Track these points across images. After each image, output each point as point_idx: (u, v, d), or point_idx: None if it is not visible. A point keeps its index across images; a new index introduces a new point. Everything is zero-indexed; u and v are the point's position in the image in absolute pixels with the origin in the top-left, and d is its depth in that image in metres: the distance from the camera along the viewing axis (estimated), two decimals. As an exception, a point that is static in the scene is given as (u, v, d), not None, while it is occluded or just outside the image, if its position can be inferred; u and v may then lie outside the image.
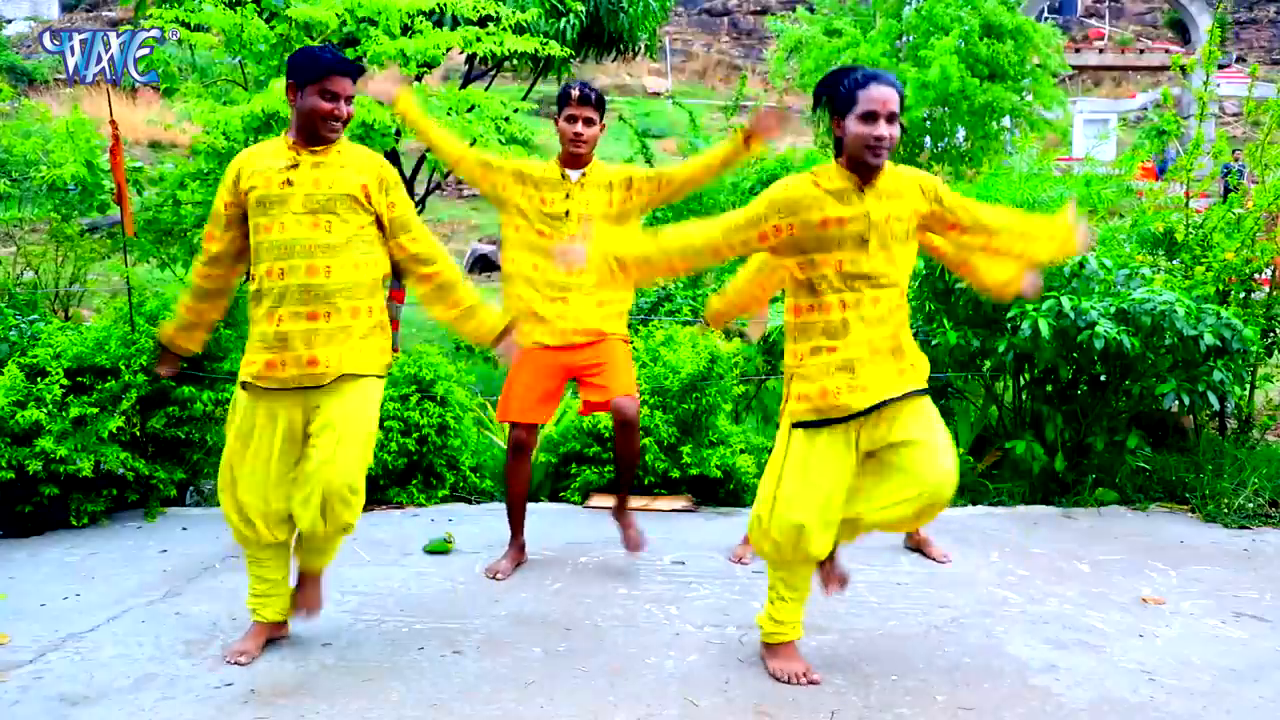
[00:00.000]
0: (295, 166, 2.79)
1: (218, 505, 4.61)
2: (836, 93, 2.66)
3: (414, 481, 4.68)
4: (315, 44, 4.80)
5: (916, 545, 3.92)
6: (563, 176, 3.56)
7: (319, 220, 2.78)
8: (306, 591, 3.02)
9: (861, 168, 2.63)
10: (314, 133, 2.80)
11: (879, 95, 2.58)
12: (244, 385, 2.86)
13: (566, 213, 3.52)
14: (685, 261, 2.77)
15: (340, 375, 2.80)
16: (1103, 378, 4.69)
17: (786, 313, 2.78)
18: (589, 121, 3.53)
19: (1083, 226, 2.81)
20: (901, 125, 2.66)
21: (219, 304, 3.04)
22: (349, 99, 2.82)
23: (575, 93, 3.52)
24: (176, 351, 3.11)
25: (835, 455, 2.68)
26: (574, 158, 3.56)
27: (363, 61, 4.97)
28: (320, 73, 2.75)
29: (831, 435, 2.68)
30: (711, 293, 7.15)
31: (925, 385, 2.75)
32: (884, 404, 2.66)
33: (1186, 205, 5.21)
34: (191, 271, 3.00)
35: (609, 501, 4.67)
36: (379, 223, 2.90)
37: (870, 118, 2.58)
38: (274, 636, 3.01)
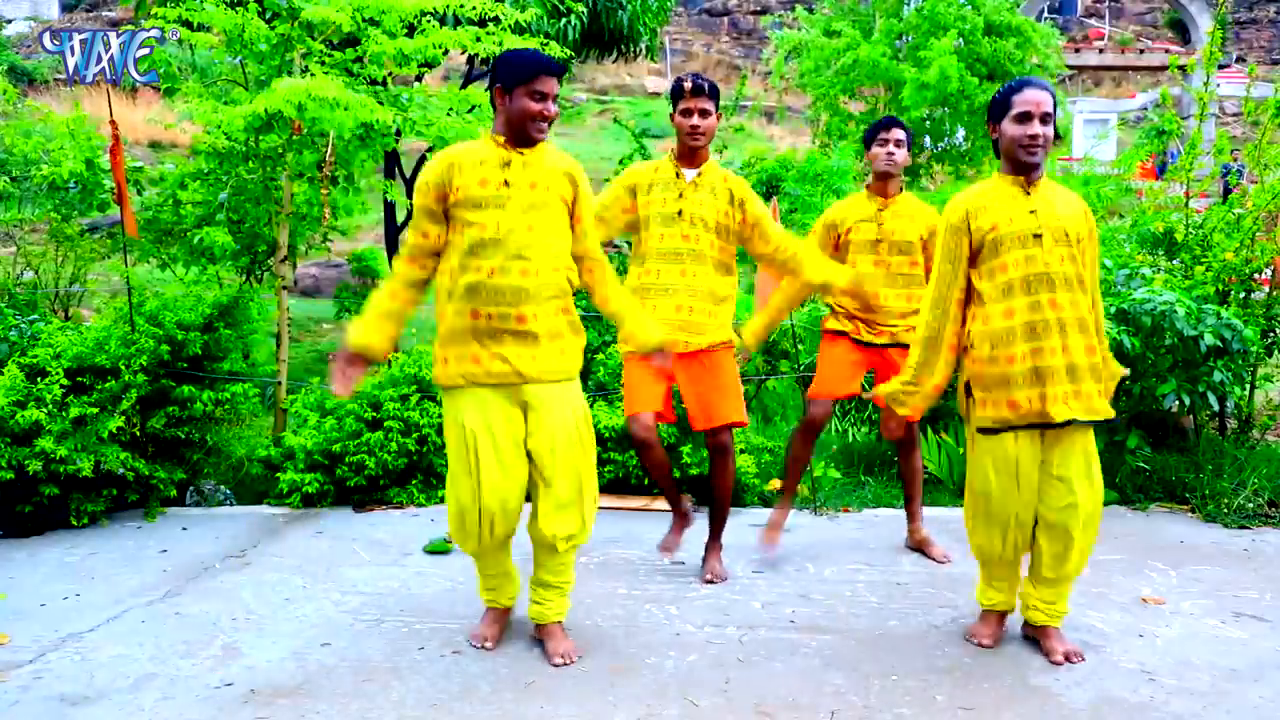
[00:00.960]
0: (509, 165, 2.80)
1: (218, 505, 4.65)
2: (993, 100, 2.88)
3: (414, 481, 4.68)
4: (317, 44, 4.81)
5: (918, 545, 3.93)
6: (677, 175, 3.51)
7: (533, 220, 2.78)
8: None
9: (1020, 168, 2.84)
10: (524, 134, 2.80)
11: (1032, 98, 2.78)
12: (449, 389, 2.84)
13: (680, 212, 3.46)
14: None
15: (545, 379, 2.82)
16: (1103, 378, 4.69)
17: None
18: (704, 113, 3.47)
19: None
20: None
21: (421, 296, 2.96)
22: (555, 98, 2.83)
23: (689, 85, 3.46)
24: (369, 357, 2.85)
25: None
26: (692, 150, 3.50)
27: (363, 62, 4.97)
28: (530, 74, 2.75)
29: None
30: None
31: None
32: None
33: (1186, 205, 5.22)
34: (395, 262, 2.92)
35: (609, 501, 4.68)
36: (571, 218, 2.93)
37: (1025, 118, 2.78)
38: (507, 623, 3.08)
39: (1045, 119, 2.77)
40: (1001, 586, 3.03)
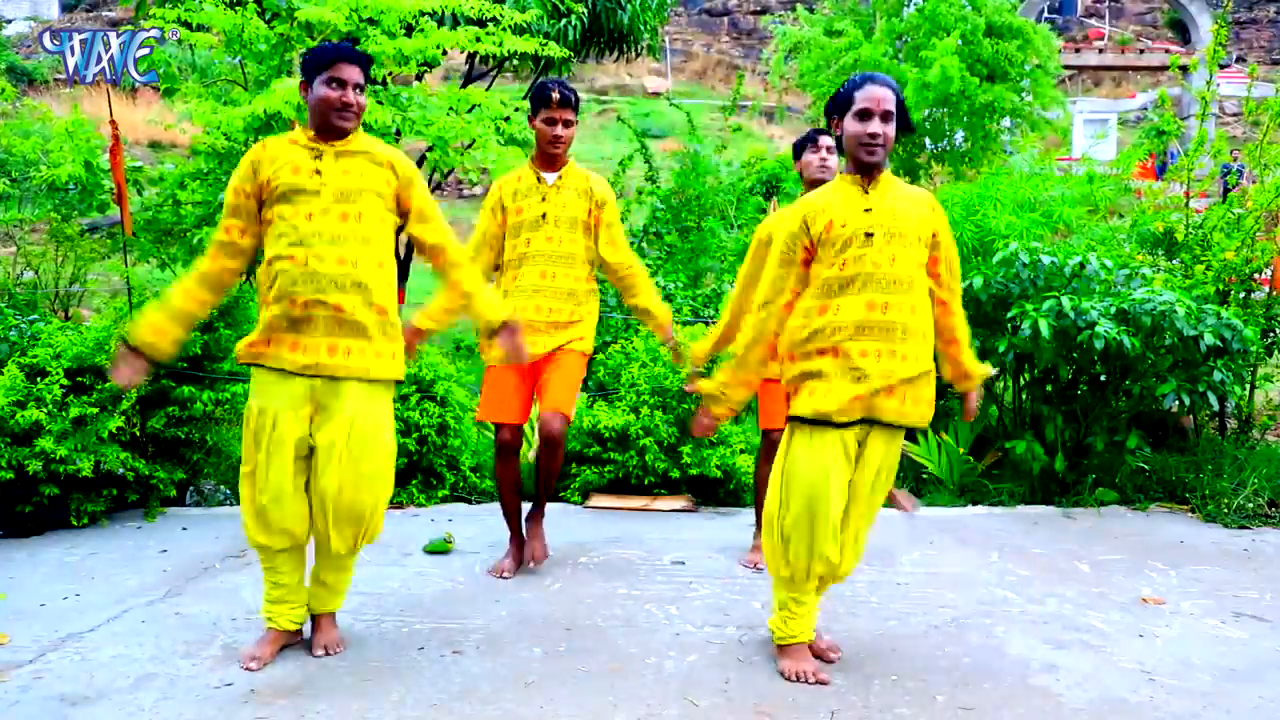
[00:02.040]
0: (320, 157, 2.78)
1: (218, 505, 4.65)
2: (836, 95, 2.77)
3: (414, 481, 4.68)
4: (316, 44, 4.81)
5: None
6: (538, 180, 3.56)
7: (348, 212, 2.77)
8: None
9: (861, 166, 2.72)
10: (329, 125, 2.78)
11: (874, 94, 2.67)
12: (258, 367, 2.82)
13: (544, 215, 3.54)
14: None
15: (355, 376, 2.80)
16: (1103, 378, 4.69)
17: None
18: (567, 123, 3.53)
19: None
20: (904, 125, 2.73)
21: (218, 299, 2.95)
22: (359, 87, 2.81)
23: (555, 95, 3.49)
24: (149, 355, 2.80)
25: None
26: (551, 159, 3.57)
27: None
28: (326, 62, 2.75)
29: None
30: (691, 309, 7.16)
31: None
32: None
33: (1186, 205, 5.22)
34: (198, 260, 2.90)
35: (609, 501, 4.68)
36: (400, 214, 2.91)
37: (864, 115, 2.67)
38: (288, 644, 3.01)
39: (886, 116, 2.66)
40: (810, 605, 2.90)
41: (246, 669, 2.85)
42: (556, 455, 3.60)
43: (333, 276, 2.73)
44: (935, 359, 2.81)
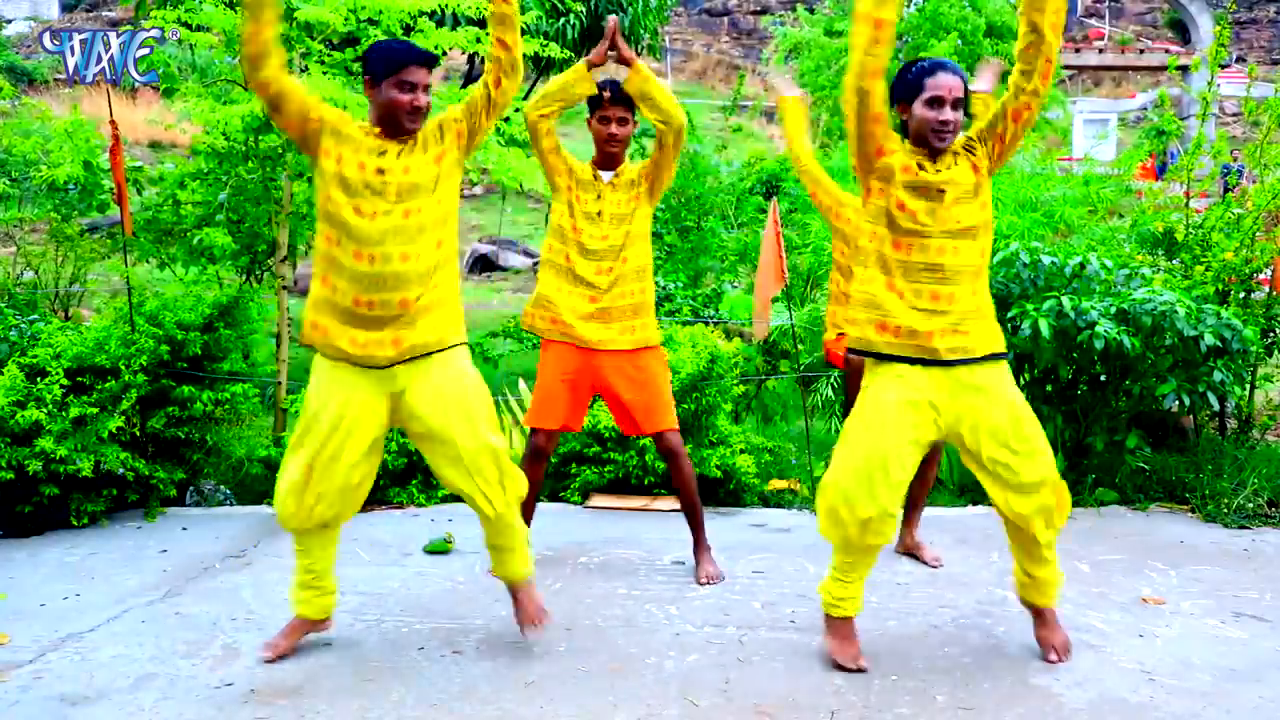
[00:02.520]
0: (384, 155, 2.78)
1: (218, 505, 4.65)
2: (904, 81, 2.79)
3: (414, 481, 4.68)
4: (316, 44, 4.81)
5: (908, 550, 3.90)
6: (594, 177, 3.53)
7: (410, 209, 2.77)
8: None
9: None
10: (397, 125, 2.78)
11: (945, 82, 2.72)
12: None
13: (599, 213, 3.49)
14: None
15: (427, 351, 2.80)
16: (1103, 378, 4.69)
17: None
18: (622, 121, 3.49)
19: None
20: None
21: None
22: (427, 88, 2.81)
23: (608, 93, 3.46)
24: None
25: None
26: (609, 158, 3.53)
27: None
28: (397, 64, 2.73)
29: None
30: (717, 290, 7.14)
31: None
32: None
33: (1186, 205, 5.22)
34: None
35: (609, 501, 4.68)
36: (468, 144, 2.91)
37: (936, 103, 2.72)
38: (314, 632, 3.02)
39: (956, 104, 2.74)
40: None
41: (261, 657, 2.86)
42: (684, 470, 3.57)
43: (398, 273, 2.73)
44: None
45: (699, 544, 3.68)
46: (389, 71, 2.74)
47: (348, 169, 2.75)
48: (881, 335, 2.75)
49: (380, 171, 2.75)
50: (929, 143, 2.75)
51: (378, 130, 2.81)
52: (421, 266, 2.76)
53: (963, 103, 2.76)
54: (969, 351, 2.73)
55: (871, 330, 2.77)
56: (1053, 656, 2.89)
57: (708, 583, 3.56)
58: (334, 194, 2.75)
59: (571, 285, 3.48)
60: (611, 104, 3.48)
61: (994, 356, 2.77)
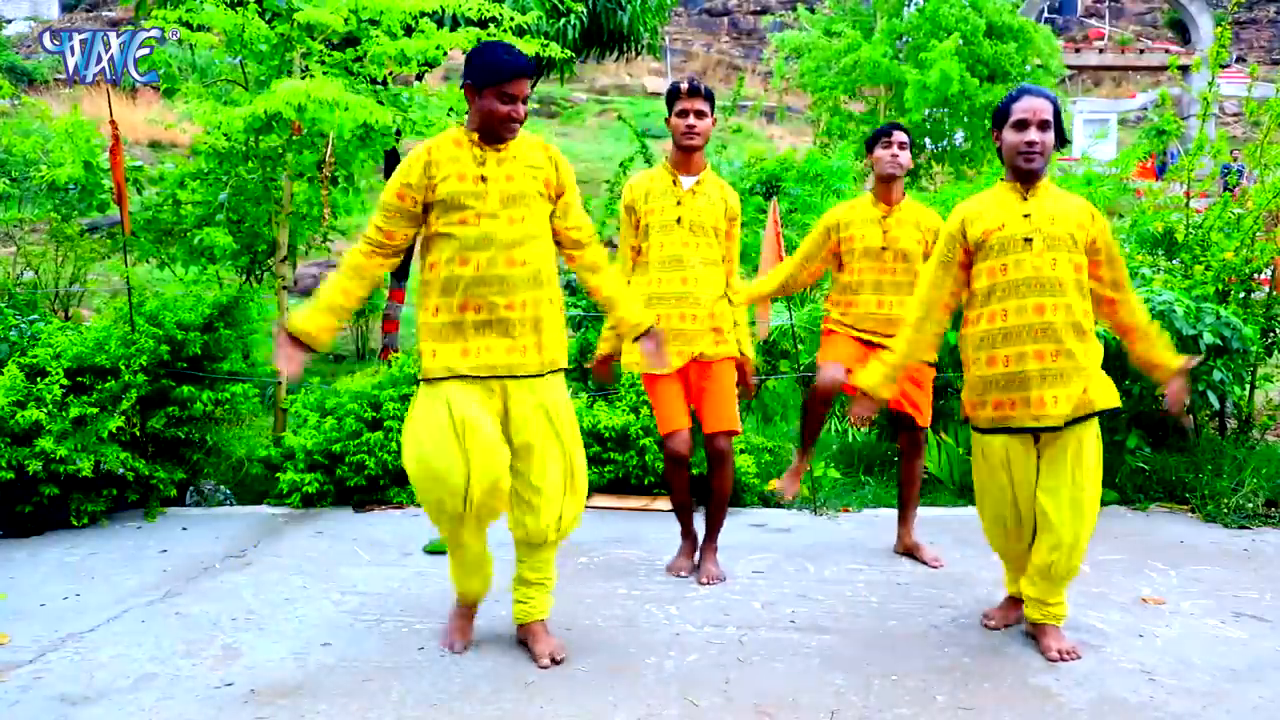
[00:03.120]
0: (484, 164, 2.80)
1: (218, 505, 4.65)
2: (997, 111, 2.90)
3: (414, 481, 4.68)
4: (317, 44, 4.81)
5: (907, 550, 3.89)
6: (674, 183, 3.50)
7: (514, 216, 2.80)
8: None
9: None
10: (494, 133, 2.79)
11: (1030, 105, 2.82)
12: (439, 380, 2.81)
13: (679, 220, 3.47)
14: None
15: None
16: (1103, 378, 4.69)
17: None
18: (700, 114, 3.47)
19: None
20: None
21: (368, 292, 2.98)
22: (525, 99, 2.82)
23: (685, 86, 3.47)
24: (310, 345, 2.87)
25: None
26: (688, 152, 3.50)
27: (363, 62, 4.97)
28: (501, 77, 2.73)
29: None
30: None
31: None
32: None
33: (1187, 205, 5.22)
34: (351, 255, 2.90)
35: (609, 501, 4.68)
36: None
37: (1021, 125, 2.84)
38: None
39: (1044, 126, 2.82)
40: (1016, 576, 3.09)
41: (454, 653, 2.92)
42: (726, 473, 3.59)
43: (504, 277, 2.76)
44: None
45: (708, 544, 3.69)
46: (491, 81, 2.74)
47: (447, 187, 2.77)
48: None
49: (482, 180, 2.78)
50: (1016, 165, 2.84)
51: (474, 137, 2.82)
52: (527, 273, 2.79)
53: (1050, 124, 2.83)
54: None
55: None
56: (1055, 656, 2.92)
57: (708, 583, 3.56)
58: (440, 216, 2.78)
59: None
60: (689, 96, 3.46)
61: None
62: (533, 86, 9.33)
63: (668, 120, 3.54)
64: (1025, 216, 2.83)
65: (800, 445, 3.96)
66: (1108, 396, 2.84)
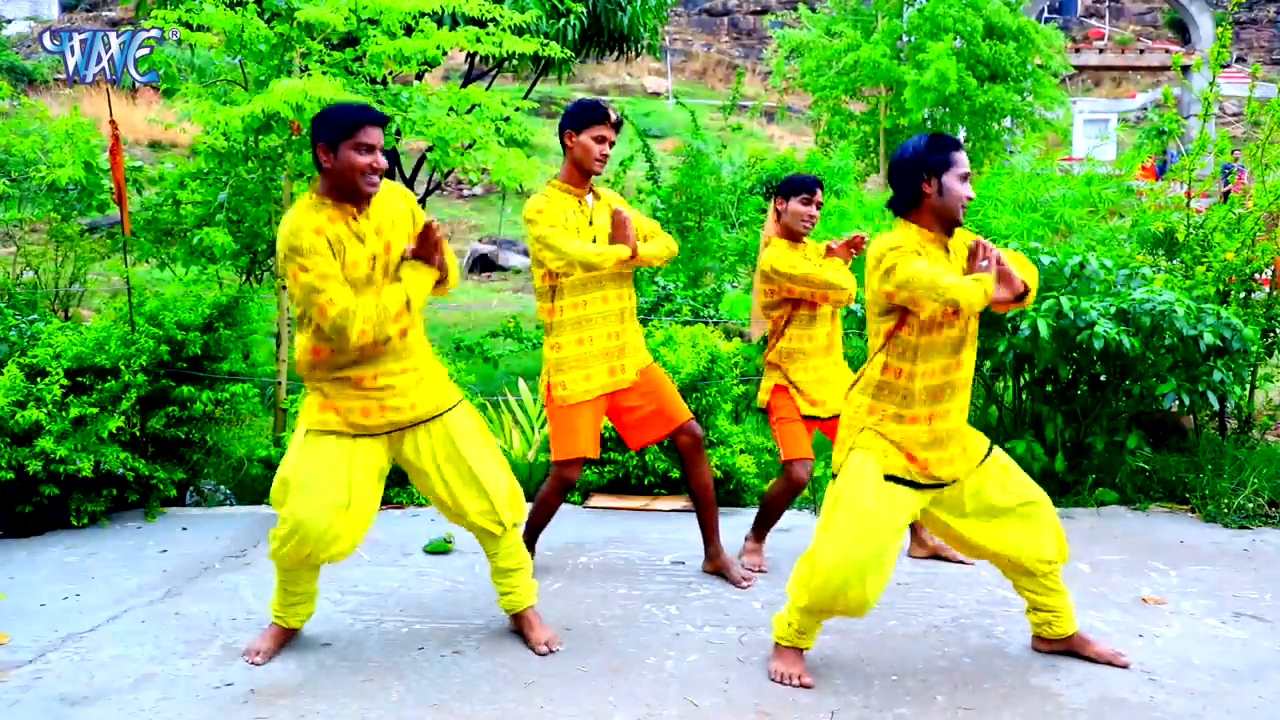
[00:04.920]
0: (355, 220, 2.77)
1: (218, 505, 4.65)
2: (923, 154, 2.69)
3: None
4: (316, 44, 4.81)
5: (933, 553, 3.87)
6: (580, 202, 3.44)
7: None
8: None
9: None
10: (354, 190, 2.73)
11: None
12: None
13: (594, 239, 3.41)
14: None
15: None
16: (1103, 378, 4.69)
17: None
18: (612, 144, 3.44)
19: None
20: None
21: None
22: (381, 148, 2.77)
23: (614, 115, 3.40)
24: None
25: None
26: (587, 177, 3.45)
27: (362, 62, 4.97)
28: (352, 127, 2.68)
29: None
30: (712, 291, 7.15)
31: None
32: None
33: (1187, 205, 5.22)
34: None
35: (609, 501, 4.68)
36: None
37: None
38: (290, 640, 3.04)
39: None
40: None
41: (251, 663, 2.86)
42: (706, 467, 3.57)
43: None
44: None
45: (715, 546, 3.69)
46: (343, 136, 2.68)
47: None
48: None
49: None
50: (956, 218, 2.71)
51: (329, 200, 2.78)
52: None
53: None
54: None
55: None
56: (1124, 659, 2.89)
57: (748, 584, 3.57)
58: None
59: None
60: (615, 127, 3.41)
61: None
62: (533, 86, 9.27)
63: (571, 136, 3.38)
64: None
65: (755, 529, 3.84)
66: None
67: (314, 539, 2.77)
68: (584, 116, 3.38)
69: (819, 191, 3.66)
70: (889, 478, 2.68)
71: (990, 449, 2.82)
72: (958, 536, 2.84)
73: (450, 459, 2.90)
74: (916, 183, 2.67)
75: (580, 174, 3.42)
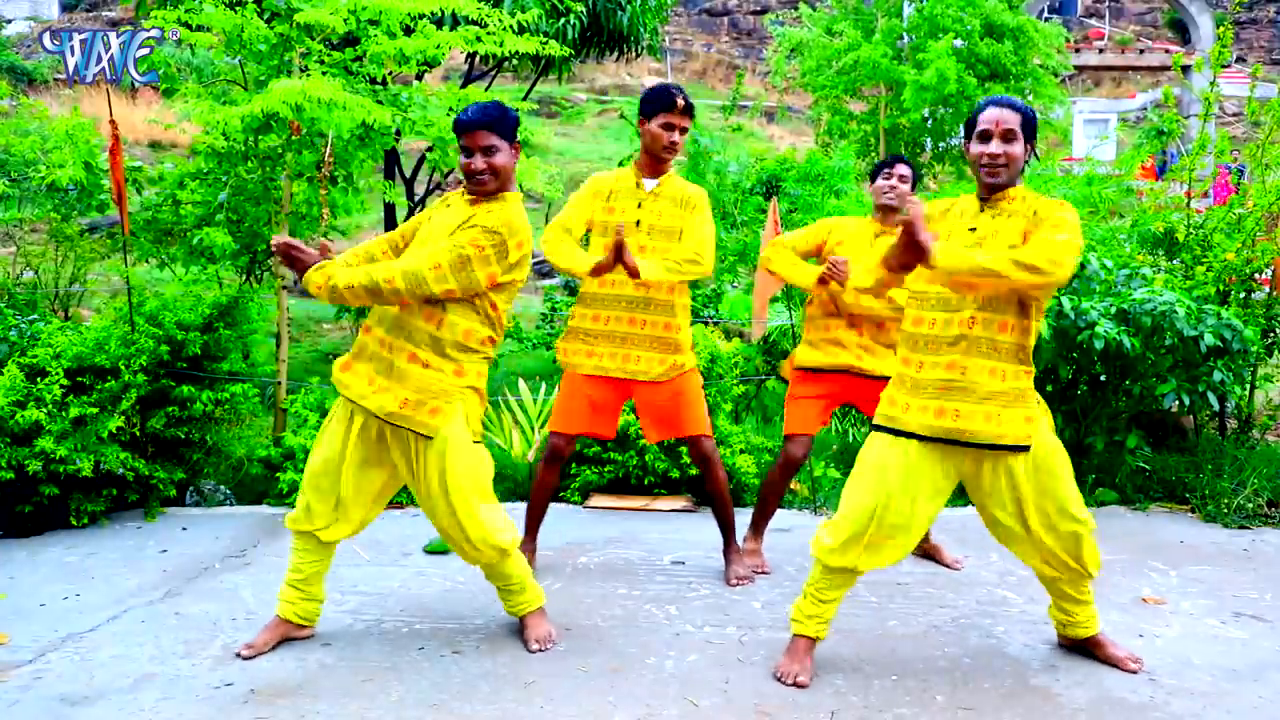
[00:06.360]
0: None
1: (218, 505, 4.65)
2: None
3: (414, 481, 4.68)
4: (316, 44, 4.80)
5: (926, 553, 3.89)
6: (637, 185, 3.48)
7: None
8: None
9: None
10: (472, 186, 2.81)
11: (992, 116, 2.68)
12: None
13: (637, 223, 3.43)
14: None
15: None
16: (1103, 378, 4.69)
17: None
18: (684, 130, 3.43)
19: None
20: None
21: None
22: (485, 150, 2.79)
23: (680, 101, 3.39)
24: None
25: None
26: (660, 164, 3.47)
27: (362, 62, 4.97)
28: (662, 106, 2.79)
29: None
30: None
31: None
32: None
33: (1187, 205, 5.22)
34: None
35: (609, 501, 4.68)
36: None
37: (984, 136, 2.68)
38: (291, 636, 3.03)
39: (1006, 136, 2.66)
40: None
41: (237, 655, 2.88)
42: (716, 473, 3.57)
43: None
44: None
45: (731, 545, 3.70)
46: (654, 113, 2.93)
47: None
48: None
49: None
50: (979, 178, 2.72)
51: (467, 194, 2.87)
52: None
53: (1017, 134, 2.66)
54: None
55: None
56: (1134, 665, 2.87)
57: (737, 583, 3.57)
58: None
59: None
60: (682, 113, 3.41)
61: None
62: (532, 86, 9.27)
63: (643, 124, 3.43)
64: (970, 230, 2.71)
65: (754, 525, 3.84)
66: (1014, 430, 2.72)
67: None
68: (653, 104, 3.42)
69: (898, 165, 3.69)
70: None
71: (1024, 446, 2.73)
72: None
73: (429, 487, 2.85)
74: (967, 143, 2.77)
75: (651, 159, 3.47)
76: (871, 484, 2.72)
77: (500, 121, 2.80)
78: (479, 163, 2.79)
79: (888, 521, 2.71)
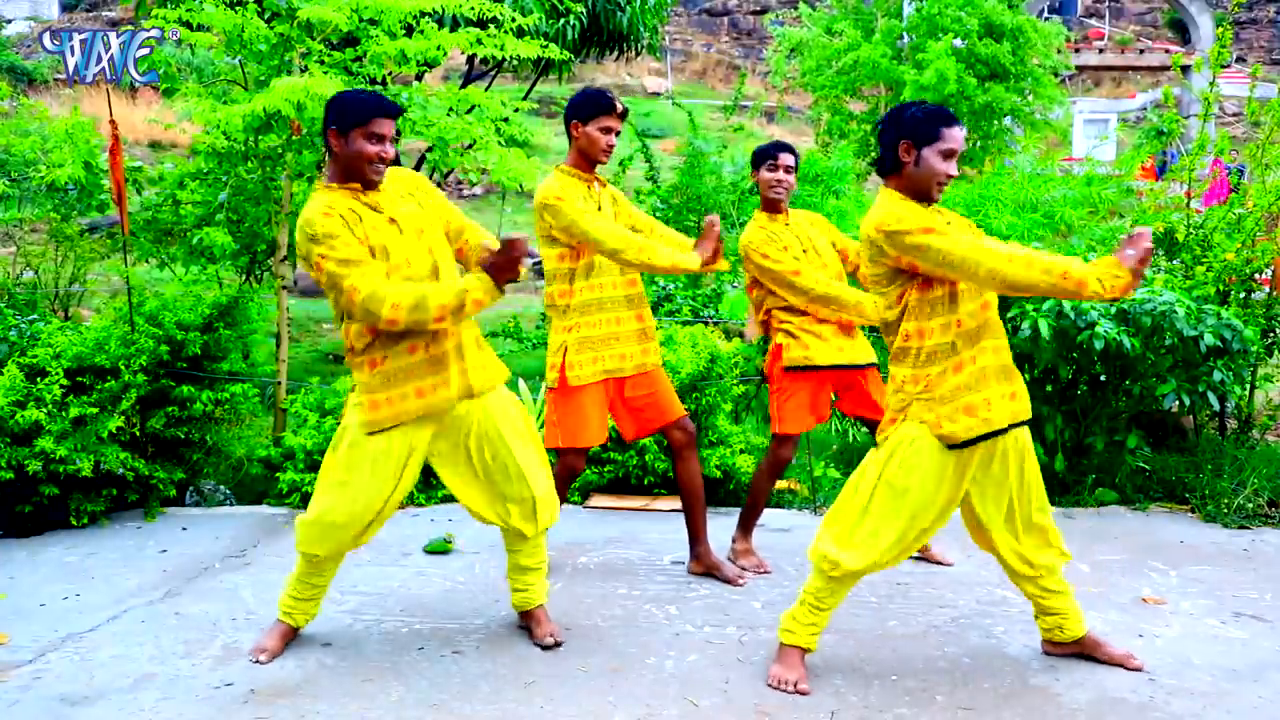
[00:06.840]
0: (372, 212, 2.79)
1: (218, 505, 4.65)
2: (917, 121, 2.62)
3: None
4: (316, 44, 4.81)
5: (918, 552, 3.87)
6: (589, 187, 3.46)
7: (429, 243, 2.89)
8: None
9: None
10: (360, 177, 2.77)
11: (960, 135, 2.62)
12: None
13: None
14: None
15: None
16: (1103, 378, 4.69)
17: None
18: (618, 134, 3.46)
19: None
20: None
21: None
22: (394, 139, 2.80)
23: (620, 106, 3.42)
24: None
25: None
26: (594, 165, 3.48)
27: (362, 62, 4.97)
28: (365, 116, 2.70)
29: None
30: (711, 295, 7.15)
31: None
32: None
33: (1187, 205, 5.21)
34: None
35: (609, 501, 4.68)
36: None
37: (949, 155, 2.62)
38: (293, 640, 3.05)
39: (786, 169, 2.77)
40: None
41: (256, 661, 2.87)
42: (696, 465, 3.57)
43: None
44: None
45: (702, 545, 3.69)
46: (357, 123, 2.71)
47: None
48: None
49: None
50: (932, 196, 2.65)
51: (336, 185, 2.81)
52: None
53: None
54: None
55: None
56: (1135, 662, 2.86)
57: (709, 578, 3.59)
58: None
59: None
60: (621, 118, 3.43)
61: None
62: (533, 86, 9.28)
63: (577, 127, 3.40)
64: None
65: (744, 525, 3.81)
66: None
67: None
68: (590, 107, 3.40)
69: (783, 155, 3.66)
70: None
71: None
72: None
73: (494, 440, 2.88)
74: (895, 148, 2.62)
75: (587, 163, 3.46)
76: (916, 505, 2.65)
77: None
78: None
79: (911, 540, 2.73)
